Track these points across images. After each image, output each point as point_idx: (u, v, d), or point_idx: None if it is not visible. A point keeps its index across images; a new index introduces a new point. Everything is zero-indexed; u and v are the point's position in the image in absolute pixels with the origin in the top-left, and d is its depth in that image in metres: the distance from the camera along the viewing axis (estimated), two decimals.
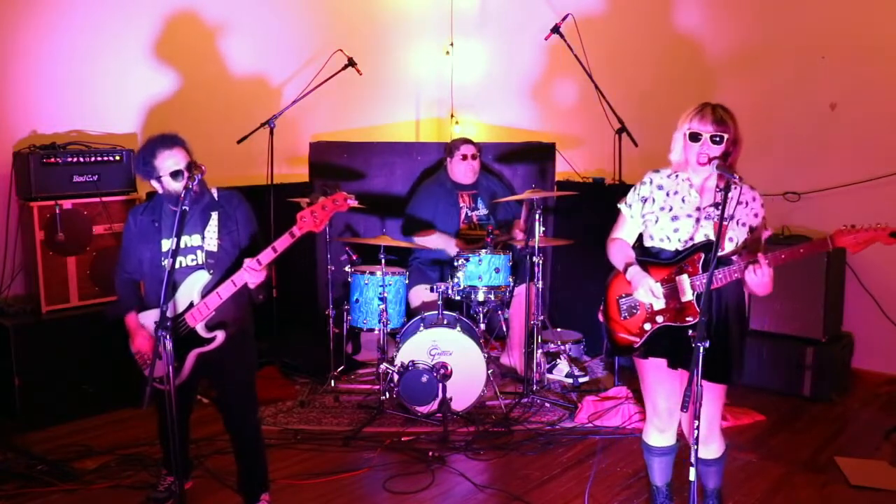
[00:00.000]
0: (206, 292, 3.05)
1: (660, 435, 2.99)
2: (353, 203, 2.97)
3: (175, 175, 3.03)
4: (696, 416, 2.44)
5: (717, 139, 2.69)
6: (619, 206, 2.97)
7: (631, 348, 2.87)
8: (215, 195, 3.18)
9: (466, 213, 5.07)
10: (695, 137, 2.71)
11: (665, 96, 5.46)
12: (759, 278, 2.59)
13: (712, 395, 2.76)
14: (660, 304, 2.77)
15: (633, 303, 2.84)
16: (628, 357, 3.01)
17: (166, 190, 3.08)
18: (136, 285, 3.28)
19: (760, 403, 4.47)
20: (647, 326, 2.82)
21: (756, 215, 2.76)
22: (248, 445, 3.28)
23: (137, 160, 3.11)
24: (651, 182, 2.88)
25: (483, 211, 5.10)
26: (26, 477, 3.59)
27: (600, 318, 2.96)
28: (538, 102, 6.38)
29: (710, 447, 2.90)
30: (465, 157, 5.03)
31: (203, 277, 3.08)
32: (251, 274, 2.96)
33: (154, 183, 3.10)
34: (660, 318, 2.79)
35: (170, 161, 3.03)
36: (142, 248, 3.16)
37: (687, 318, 2.74)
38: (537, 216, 4.38)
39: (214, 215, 3.14)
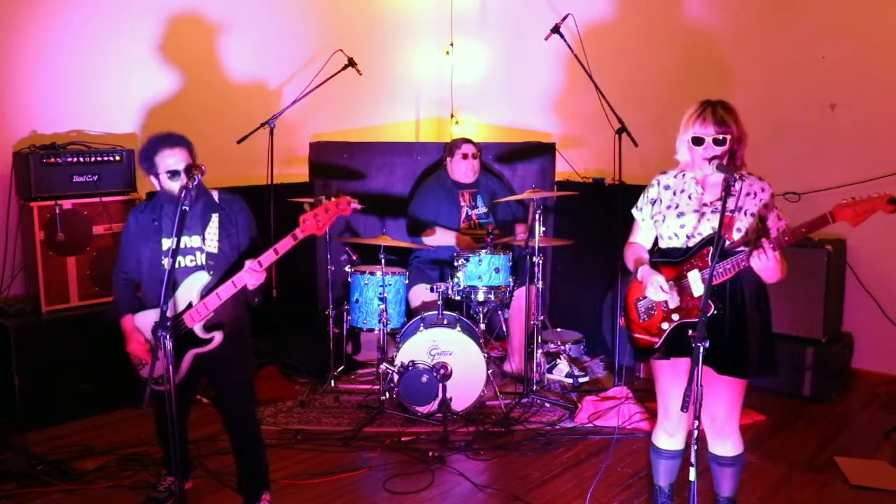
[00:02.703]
0: (206, 293, 3.05)
1: (669, 438, 2.98)
2: (357, 207, 2.97)
3: (172, 175, 3.02)
4: (697, 417, 2.44)
5: (721, 140, 2.70)
6: (632, 211, 2.99)
7: (652, 349, 2.86)
8: (216, 197, 3.17)
9: (467, 213, 5.07)
10: (698, 141, 2.73)
11: (665, 96, 5.47)
12: (763, 263, 2.59)
13: (730, 389, 2.78)
14: (674, 301, 2.78)
15: (651, 304, 2.84)
16: (642, 359, 2.98)
17: (163, 188, 3.08)
18: (134, 287, 3.26)
19: (760, 403, 4.47)
20: (665, 325, 2.82)
21: (765, 205, 2.76)
22: (248, 445, 3.27)
23: (140, 154, 3.11)
24: (658, 183, 2.90)
25: (483, 209, 5.11)
26: (26, 477, 3.59)
27: (622, 323, 2.96)
28: (538, 102, 6.38)
29: (727, 442, 2.88)
30: (465, 157, 5.03)
31: (203, 278, 3.07)
32: (252, 275, 2.96)
33: (153, 179, 3.10)
34: (675, 316, 2.80)
35: (170, 160, 3.01)
36: (141, 246, 3.15)
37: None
38: (537, 216, 4.38)
39: (215, 217, 3.13)
